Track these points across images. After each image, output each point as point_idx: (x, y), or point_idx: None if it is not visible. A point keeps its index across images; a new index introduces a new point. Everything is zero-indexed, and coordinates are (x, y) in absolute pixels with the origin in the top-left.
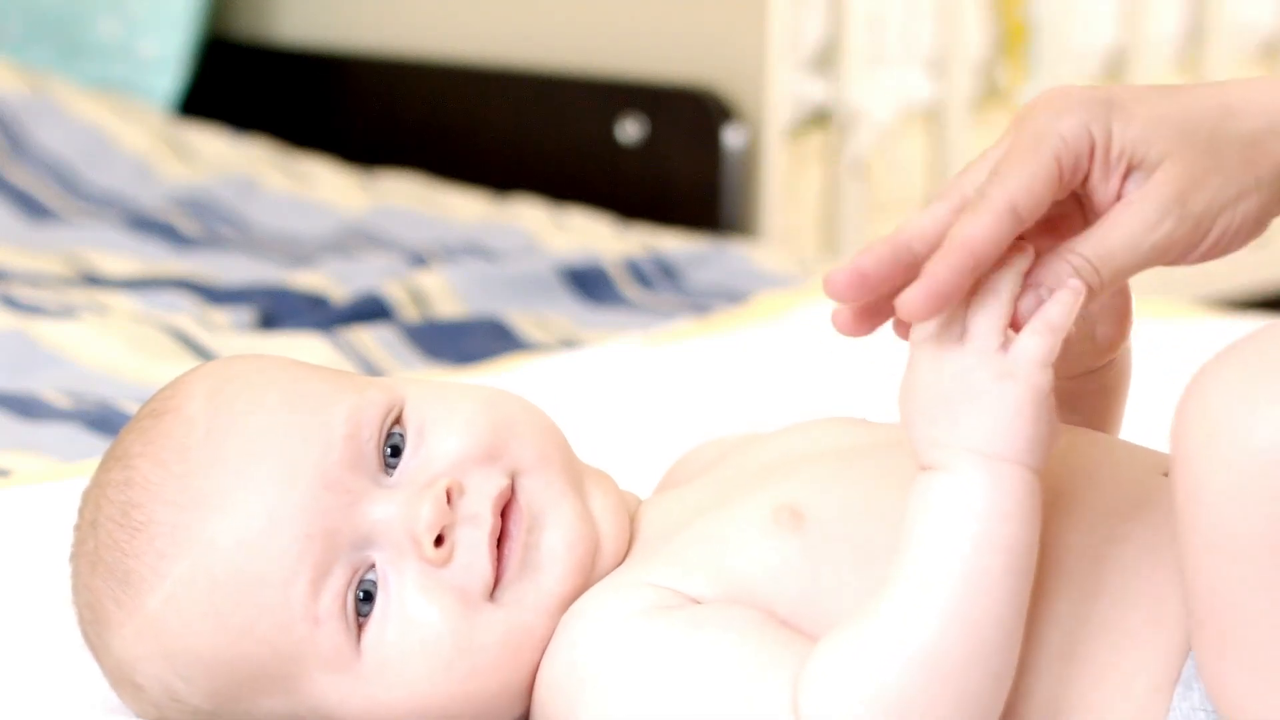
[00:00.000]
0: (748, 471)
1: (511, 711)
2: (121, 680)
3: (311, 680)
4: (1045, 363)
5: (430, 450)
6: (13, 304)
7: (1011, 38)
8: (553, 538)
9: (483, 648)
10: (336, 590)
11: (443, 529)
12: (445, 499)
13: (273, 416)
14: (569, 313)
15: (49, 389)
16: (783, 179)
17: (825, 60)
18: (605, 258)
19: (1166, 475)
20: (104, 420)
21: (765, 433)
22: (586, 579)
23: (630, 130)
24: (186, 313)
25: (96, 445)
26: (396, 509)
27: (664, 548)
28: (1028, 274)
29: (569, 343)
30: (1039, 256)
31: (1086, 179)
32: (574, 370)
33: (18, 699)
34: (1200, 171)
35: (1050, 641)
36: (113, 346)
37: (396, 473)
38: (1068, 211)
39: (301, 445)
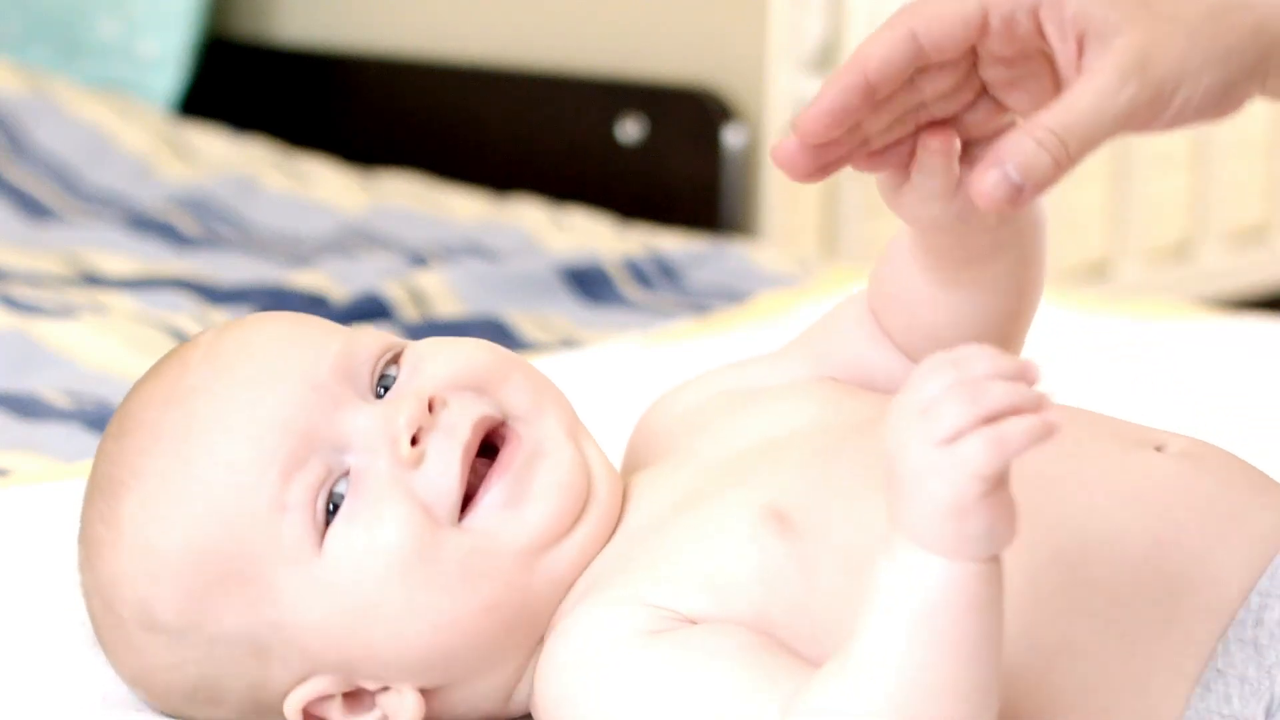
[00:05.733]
0: (726, 460)
1: (472, 670)
2: (105, 619)
3: (271, 582)
4: (981, 474)
5: (421, 376)
6: (13, 304)
7: None
8: (545, 474)
9: (442, 561)
10: (308, 483)
11: (418, 430)
12: (427, 405)
13: (272, 339)
14: (569, 313)
15: (49, 389)
16: (783, 179)
17: (825, 60)
18: (605, 258)
19: (1160, 450)
20: (104, 420)
21: (739, 391)
22: (568, 528)
23: (630, 130)
24: (186, 313)
25: (96, 445)
26: (379, 419)
27: (650, 551)
28: (992, 149)
29: (569, 343)
30: (1011, 130)
31: (1045, 38)
32: (574, 370)
33: (17, 697)
34: (1162, 37)
35: (1052, 639)
36: (112, 346)
37: (386, 396)
38: (1038, 73)
39: (294, 353)
